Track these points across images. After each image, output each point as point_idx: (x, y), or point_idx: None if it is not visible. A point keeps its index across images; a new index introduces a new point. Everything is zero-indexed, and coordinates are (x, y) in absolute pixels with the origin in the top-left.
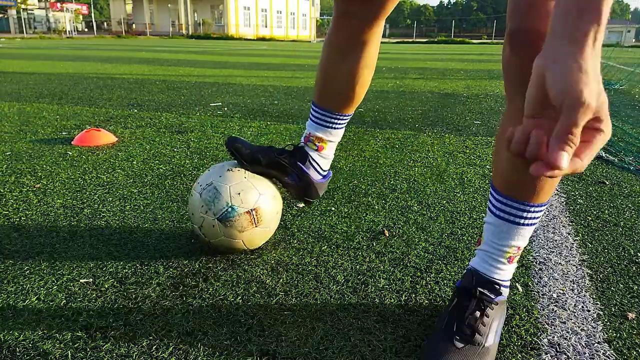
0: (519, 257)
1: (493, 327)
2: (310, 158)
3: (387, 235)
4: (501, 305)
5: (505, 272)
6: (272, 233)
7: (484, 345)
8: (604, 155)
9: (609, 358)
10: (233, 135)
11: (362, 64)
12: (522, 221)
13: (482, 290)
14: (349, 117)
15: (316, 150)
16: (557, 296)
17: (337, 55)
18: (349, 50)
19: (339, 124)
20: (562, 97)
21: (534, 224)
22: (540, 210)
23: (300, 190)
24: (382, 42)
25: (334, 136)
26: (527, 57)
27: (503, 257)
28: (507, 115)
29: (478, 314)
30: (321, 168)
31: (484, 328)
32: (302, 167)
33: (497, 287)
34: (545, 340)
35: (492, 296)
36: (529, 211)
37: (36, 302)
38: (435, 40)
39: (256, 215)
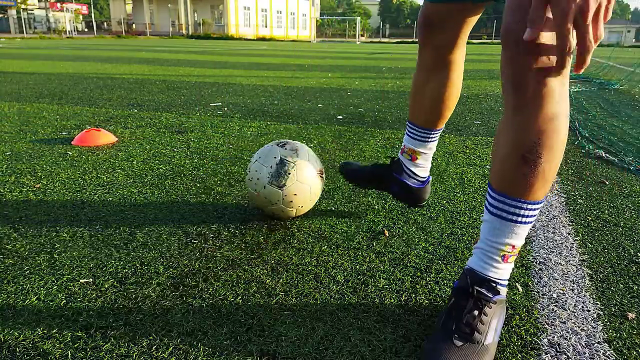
0: (515, 256)
1: (492, 325)
2: (405, 168)
3: (387, 235)
4: (500, 304)
5: (501, 271)
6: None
7: (483, 344)
8: (604, 155)
9: (609, 358)
10: (345, 160)
11: (447, 84)
12: (516, 218)
13: (479, 289)
14: (439, 131)
15: (410, 160)
16: (557, 296)
17: (424, 77)
18: (435, 71)
19: (430, 138)
20: None
21: (529, 222)
22: (535, 209)
23: (404, 197)
24: (382, 42)
25: (426, 148)
26: (518, 54)
27: (497, 255)
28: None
29: (476, 312)
30: (418, 175)
31: (482, 326)
32: (399, 177)
33: (494, 285)
34: (545, 340)
35: (490, 295)
36: (523, 208)
37: (36, 302)
38: None
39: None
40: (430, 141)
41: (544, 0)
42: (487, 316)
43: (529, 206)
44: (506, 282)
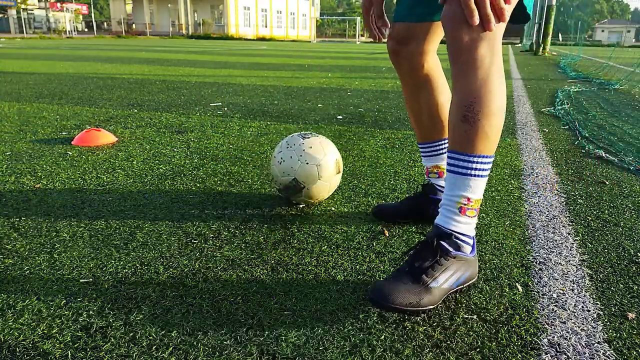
0: (474, 211)
1: (445, 274)
2: (437, 186)
3: (387, 235)
4: (460, 260)
5: (462, 225)
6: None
7: (427, 285)
8: (604, 155)
9: (609, 358)
10: (377, 204)
11: (435, 93)
12: (466, 171)
13: (440, 241)
14: (445, 140)
15: (438, 176)
16: (557, 296)
17: (412, 92)
18: (419, 85)
19: (444, 149)
20: None
21: (480, 175)
22: (482, 162)
23: None
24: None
25: (445, 160)
26: (451, 31)
27: (455, 208)
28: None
29: (430, 260)
30: None
31: (432, 272)
32: (435, 197)
33: (456, 240)
34: (545, 340)
35: (450, 248)
36: (470, 162)
37: (36, 302)
38: None
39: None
40: (446, 151)
41: None
42: (441, 265)
43: (475, 159)
44: (470, 240)
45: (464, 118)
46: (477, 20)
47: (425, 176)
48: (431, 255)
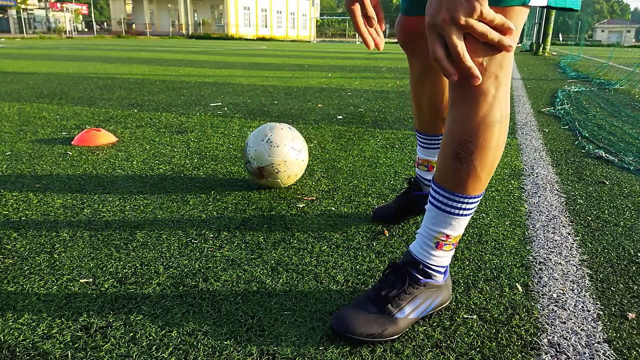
0: (451, 246)
1: (411, 304)
2: (424, 180)
3: (387, 235)
4: (430, 288)
5: (436, 258)
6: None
7: (392, 316)
8: (604, 155)
9: (609, 358)
10: (377, 206)
11: (440, 85)
12: (450, 210)
13: (410, 269)
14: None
15: (427, 170)
16: (557, 296)
17: (416, 82)
18: (424, 75)
19: (439, 144)
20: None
21: (464, 215)
22: (469, 203)
23: None
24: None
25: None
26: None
27: (432, 242)
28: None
29: (398, 288)
30: None
31: (399, 302)
32: (421, 193)
33: (427, 270)
34: (545, 340)
35: (419, 276)
36: (456, 201)
37: (36, 302)
38: None
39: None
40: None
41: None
42: (408, 294)
43: (463, 200)
44: (443, 269)
45: (455, 156)
46: (455, 78)
47: (415, 167)
48: (399, 283)
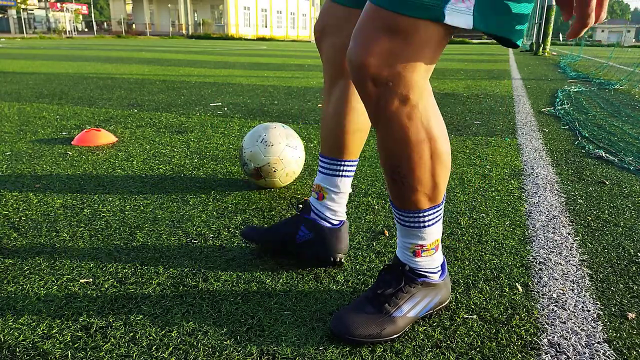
0: (431, 251)
1: (409, 303)
2: (313, 207)
3: (387, 235)
4: (427, 287)
5: (420, 263)
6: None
7: (390, 315)
8: (604, 155)
9: (609, 358)
10: (247, 225)
11: (346, 102)
12: (412, 224)
13: (405, 269)
14: (348, 165)
15: (316, 198)
16: (557, 296)
17: (329, 84)
18: (337, 75)
19: (338, 171)
20: None
21: (429, 224)
22: (427, 215)
23: (314, 243)
24: None
25: (334, 185)
26: (357, 81)
27: (409, 251)
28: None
29: (394, 288)
30: (328, 217)
31: (396, 300)
32: (306, 216)
33: (418, 271)
34: (545, 340)
35: (415, 276)
36: (412, 216)
37: (36, 302)
38: None
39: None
40: (339, 175)
41: None
42: (405, 293)
43: (419, 214)
44: (435, 269)
45: (392, 181)
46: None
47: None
48: (395, 282)
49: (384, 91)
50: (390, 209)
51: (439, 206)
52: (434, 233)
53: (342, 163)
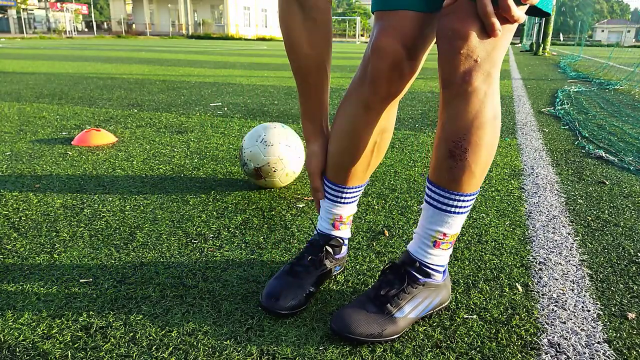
0: (448, 244)
1: (411, 303)
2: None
3: (387, 235)
4: (429, 287)
5: (434, 257)
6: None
7: (392, 315)
8: (604, 155)
9: (609, 358)
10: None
11: (384, 121)
12: (446, 208)
13: (408, 268)
14: (353, 190)
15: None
16: (557, 296)
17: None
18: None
19: (330, 194)
20: None
21: (460, 212)
22: (464, 200)
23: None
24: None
25: (325, 209)
26: (448, 52)
27: (429, 241)
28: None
29: (397, 288)
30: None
31: (398, 301)
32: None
33: (426, 269)
34: (545, 340)
35: (418, 276)
36: (452, 199)
37: (36, 302)
38: None
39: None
40: (333, 199)
41: None
42: (407, 294)
43: (458, 197)
44: (441, 269)
45: (450, 154)
46: (498, 33)
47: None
48: (398, 282)
49: (473, 66)
50: (391, 209)
51: (475, 194)
52: (458, 224)
53: (351, 190)
